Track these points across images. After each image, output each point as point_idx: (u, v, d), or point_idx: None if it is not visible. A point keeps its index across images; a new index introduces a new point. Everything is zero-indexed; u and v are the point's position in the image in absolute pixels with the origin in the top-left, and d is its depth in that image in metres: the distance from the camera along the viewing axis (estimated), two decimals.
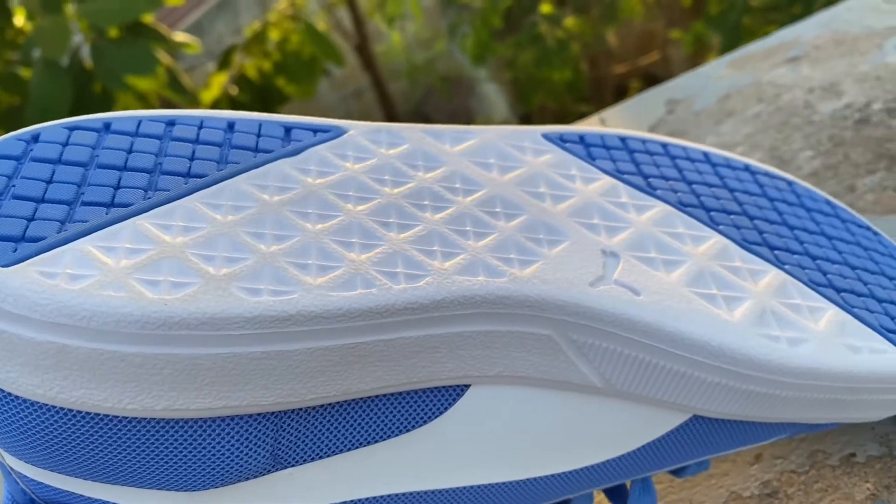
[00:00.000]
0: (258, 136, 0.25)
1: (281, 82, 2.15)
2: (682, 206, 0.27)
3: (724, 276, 0.25)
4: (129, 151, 0.23)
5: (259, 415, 0.21)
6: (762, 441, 0.27)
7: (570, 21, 2.12)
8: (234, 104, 2.12)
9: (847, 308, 0.26)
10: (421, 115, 2.60)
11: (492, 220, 0.25)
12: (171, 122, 0.25)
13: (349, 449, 0.23)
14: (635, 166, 0.29)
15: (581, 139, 0.29)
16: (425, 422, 0.23)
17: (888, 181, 0.39)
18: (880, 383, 0.25)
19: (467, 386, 0.23)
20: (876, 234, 0.31)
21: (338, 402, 0.22)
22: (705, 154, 0.31)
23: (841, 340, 0.25)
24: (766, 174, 0.31)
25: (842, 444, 0.30)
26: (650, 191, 0.28)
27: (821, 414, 0.26)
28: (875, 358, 0.25)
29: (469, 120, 2.51)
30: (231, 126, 0.25)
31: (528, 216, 0.25)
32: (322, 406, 0.22)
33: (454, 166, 0.26)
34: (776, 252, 0.27)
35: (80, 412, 0.20)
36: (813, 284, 0.26)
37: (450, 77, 2.49)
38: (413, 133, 0.27)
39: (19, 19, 1.72)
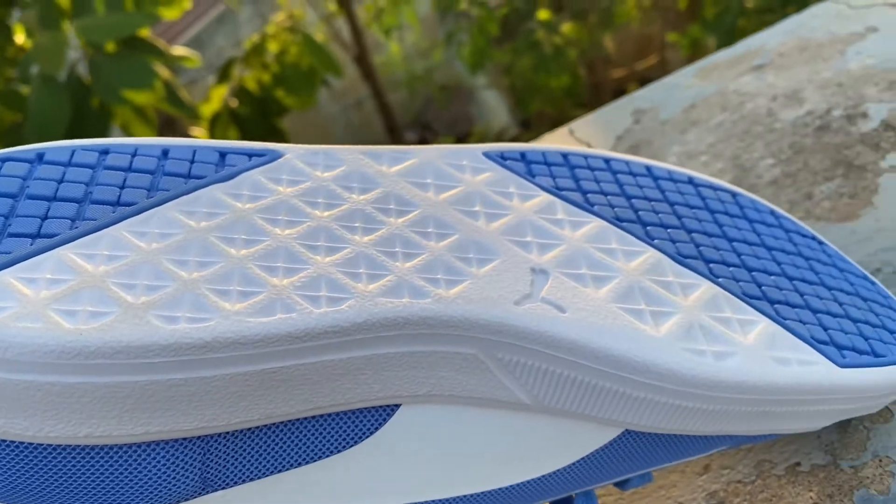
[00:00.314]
0: (192, 162, 0.25)
1: (280, 94, 2.16)
2: (618, 221, 0.28)
3: (654, 290, 0.25)
4: (60, 181, 0.24)
5: (185, 439, 0.21)
6: (701, 454, 0.27)
7: (567, 27, 2.12)
8: (235, 117, 2.14)
9: (779, 320, 0.26)
10: (421, 123, 2.61)
11: (422, 241, 0.25)
12: (104, 151, 0.25)
13: (280, 471, 0.23)
14: (575, 182, 0.29)
15: (522, 156, 0.30)
16: (356, 442, 0.23)
17: (844, 188, 0.39)
18: (809, 395, 0.25)
19: (397, 406, 0.24)
20: (821, 243, 0.32)
21: (265, 425, 0.22)
22: (648, 168, 0.31)
23: (769, 353, 0.25)
24: (710, 186, 0.31)
25: (788, 454, 0.30)
26: (587, 206, 0.28)
27: (755, 426, 0.26)
28: (803, 370, 0.25)
29: (469, 127, 2.51)
30: (165, 153, 0.26)
31: (460, 236, 0.25)
32: (250, 429, 0.22)
33: (390, 187, 0.27)
34: (711, 265, 0.27)
35: (2, 441, 0.20)
36: (746, 297, 0.26)
37: (449, 85, 2.50)
38: (351, 155, 0.27)
39: (20, 37, 1.74)
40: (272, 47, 2.20)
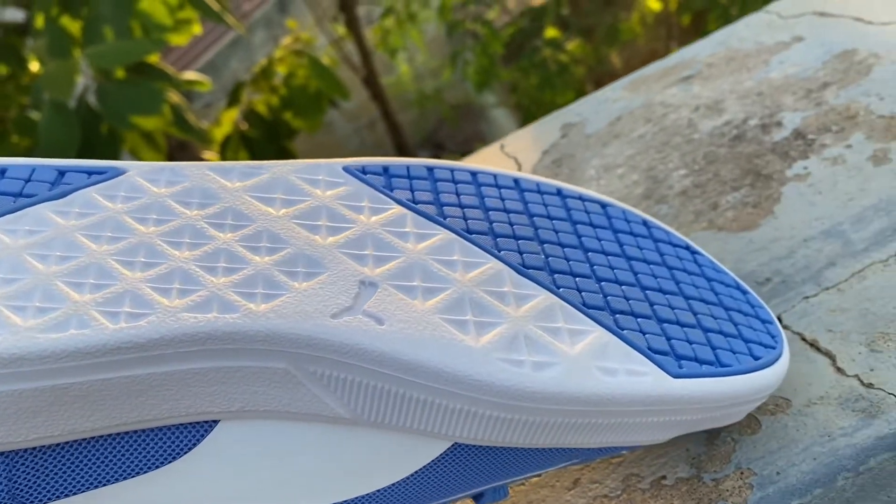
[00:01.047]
0: (27, 181, 0.26)
1: (289, 116, 2.17)
2: (467, 232, 0.28)
3: (485, 301, 0.25)
4: None
5: None
6: (547, 468, 0.27)
7: (573, 45, 2.12)
8: (245, 139, 2.16)
9: (615, 330, 0.25)
10: (433, 142, 2.61)
11: (248, 255, 0.25)
12: None
13: (94, 487, 0.23)
14: (434, 195, 0.29)
15: (385, 170, 0.30)
16: (172, 459, 0.23)
17: (749, 197, 0.38)
18: (636, 406, 0.24)
19: (216, 422, 0.23)
20: (694, 252, 0.31)
21: (75, 441, 0.22)
22: (516, 180, 0.31)
23: (595, 363, 0.24)
24: (578, 197, 0.31)
25: (656, 467, 0.30)
26: (438, 219, 0.28)
27: (591, 438, 0.26)
28: (629, 380, 0.24)
29: (481, 146, 2.52)
30: (3, 172, 0.26)
31: (292, 250, 0.25)
32: (58, 444, 0.22)
33: (230, 202, 0.27)
34: (556, 275, 0.27)
35: None
36: (585, 307, 0.26)
37: (460, 105, 2.50)
38: (197, 170, 0.28)
39: (34, 65, 1.77)
40: (280, 70, 2.22)
